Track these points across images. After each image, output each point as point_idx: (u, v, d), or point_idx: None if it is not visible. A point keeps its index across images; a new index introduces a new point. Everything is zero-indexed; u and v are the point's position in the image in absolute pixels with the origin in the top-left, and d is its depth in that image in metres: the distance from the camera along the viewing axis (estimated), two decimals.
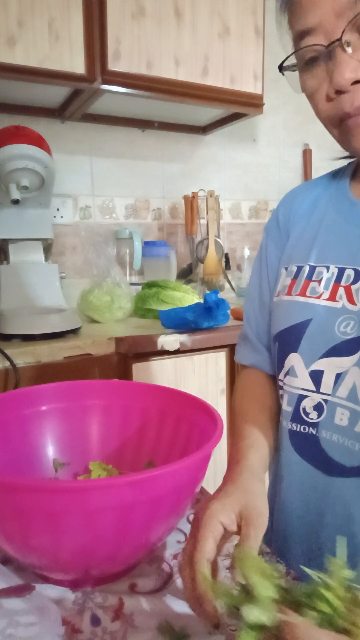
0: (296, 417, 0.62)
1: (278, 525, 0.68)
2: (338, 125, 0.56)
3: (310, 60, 0.55)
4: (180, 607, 0.49)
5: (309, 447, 0.62)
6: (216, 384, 1.45)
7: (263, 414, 0.67)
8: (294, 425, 0.63)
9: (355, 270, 0.59)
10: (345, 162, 0.70)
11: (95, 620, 0.47)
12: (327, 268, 0.62)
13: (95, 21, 1.42)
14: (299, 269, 0.65)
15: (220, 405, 1.45)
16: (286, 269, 0.68)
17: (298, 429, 0.63)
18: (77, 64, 1.41)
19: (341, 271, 0.60)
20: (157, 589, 0.52)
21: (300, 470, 0.63)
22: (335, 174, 0.71)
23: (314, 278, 0.63)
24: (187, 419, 0.63)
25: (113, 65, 1.45)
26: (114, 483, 0.44)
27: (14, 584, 0.52)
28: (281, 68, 0.59)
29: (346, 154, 0.67)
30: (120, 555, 0.49)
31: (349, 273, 0.60)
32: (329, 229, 0.64)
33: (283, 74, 0.59)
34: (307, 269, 0.64)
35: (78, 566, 0.49)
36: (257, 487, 0.51)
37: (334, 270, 0.61)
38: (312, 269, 0.63)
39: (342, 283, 0.60)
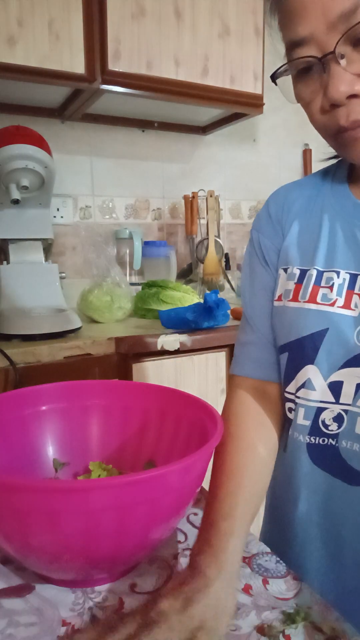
0: (315, 430, 0.60)
1: (296, 536, 0.65)
2: (334, 136, 0.55)
3: (303, 70, 0.53)
4: None
5: (329, 458, 0.60)
6: (216, 384, 1.44)
7: (260, 474, 0.61)
8: (312, 438, 0.61)
9: None
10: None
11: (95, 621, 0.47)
12: (338, 273, 0.59)
13: (95, 21, 1.42)
14: (303, 272, 0.62)
15: (220, 405, 1.44)
16: (285, 270, 0.65)
17: (317, 442, 0.61)
18: (77, 64, 1.41)
19: (353, 277, 0.58)
20: (157, 589, 0.52)
21: (319, 481, 0.61)
22: (326, 174, 0.68)
23: (323, 284, 0.59)
24: (187, 419, 0.63)
25: (113, 65, 1.45)
26: (114, 483, 0.44)
27: (14, 584, 0.52)
28: (274, 78, 0.57)
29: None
30: (120, 555, 0.49)
31: None
32: (333, 232, 0.61)
33: (276, 84, 0.57)
34: (314, 273, 0.61)
35: (78, 566, 0.49)
36: (228, 602, 0.45)
37: (345, 276, 0.58)
38: (320, 273, 0.60)
39: (357, 290, 0.57)
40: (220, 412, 0.60)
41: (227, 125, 1.92)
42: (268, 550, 0.58)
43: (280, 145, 2.26)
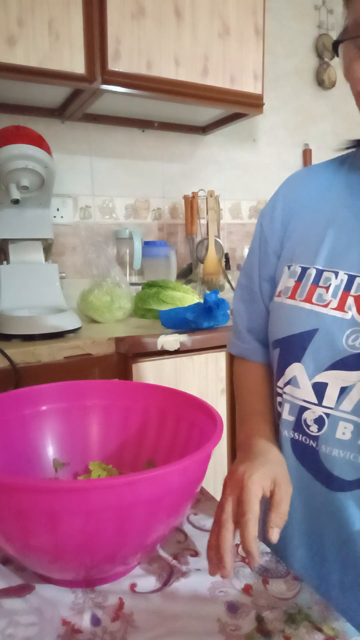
0: (298, 427, 0.61)
1: (281, 532, 0.67)
2: None
3: None
4: (180, 607, 0.49)
5: (310, 459, 0.61)
6: (216, 384, 1.44)
7: (266, 392, 0.71)
8: (295, 434, 0.62)
9: None
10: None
11: (95, 620, 0.47)
12: (336, 274, 0.58)
13: (95, 21, 1.42)
14: (304, 270, 0.61)
15: (220, 405, 1.45)
16: (289, 267, 0.64)
17: (300, 439, 0.61)
18: (77, 64, 1.41)
19: (351, 279, 0.57)
20: (157, 589, 0.52)
21: (301, 478, 0.61)
22: (342, 163, 0.65)
23: (321, 284, 0.59)
24: (187, 419, 0.63)
25: (113, 65, 1.45)
26: (114, 483, 0.44)
27: (14, 584, 0.52)
28: (336, 45, 0.53)
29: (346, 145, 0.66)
30: (120, 555, 0.49)
31: None
32: (340, 230, 0.60)
33: (337, 54, 0.53)
34: (313, 272, 0.60)
35: (78, 566, 0.49)
36: (281, 459, 0.58)
37: (343, 277, 0.57)
38: (320, 272, 0.59)
39: (352, 292, 0.56)
40: (220, 412, 0.60)
41: (227, 125, 1.92)
42: (268, 550, 0.58)
43: (280, 145, 2.26)
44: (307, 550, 0.64)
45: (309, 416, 0.59)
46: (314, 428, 0.59)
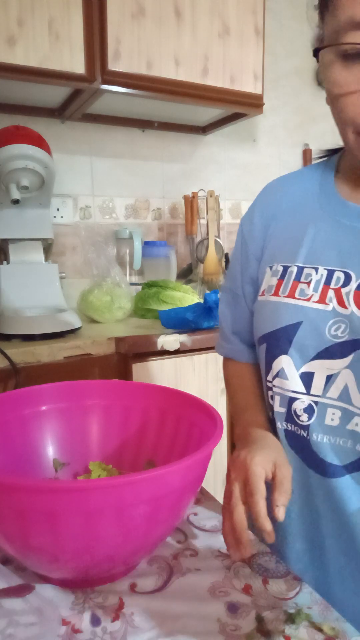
0: (289, 418, 0.63)
1: (278, 523, 0.67)
2: None
3: (353, 55, 0.49)
4: (180, 607, 0.49)
5: (303, 448, 0.62)
6: (216, 384, 1.44)
7: (258, 387, 0.74)
8: (288, 425, 0.64)
9: (345, 273, 0.58)
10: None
11: (95, 620, 0.47)
12: (316, 270, 0.61)
13: (95, 21, 1.42)
14: (285, 269, 0.64)
15: (220, 405, 1.45)
16: (271, 268, 0.66)
17: (292, 429, 0.63)
18: (77, 64, 1.41)
19: (330, 273, 0.59)
20: (157, 589, 0.52)
21: (297, 468, 0.63)
22: (316, 170, 0.69)
23: (302, 279, 0.61)
24: (187, 419, 0.63)
25: (113, 65, 1.45)
26: (114, 483, 0.44)
27: (14, 584, 0.52)
28: (317, 52, 0.53)
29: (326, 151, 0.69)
30: (120, 555, 0.49)
31: (339, 275, 0.59)
32: (318, 229, 0.63)
33: (318, 60, 0.53)
34: (294, 269, 0.63)
35: (78, 566, 0.49)
36: (278, 444, 0.60)
37: (322, 272, 0.60)
38: (300, 269, 0.62)
39: (332, 285, 0.59)
40: (220, 412, 0.60)
41: (227, 125, 1.92)
42: (268, 550, 0.58)
43: (280, 145, 2.26)
44: (305, 541, 0.64)
45: (298, 406, 0.61)
46: (304, 417, 0.61)
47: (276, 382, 0.64)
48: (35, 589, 0.51)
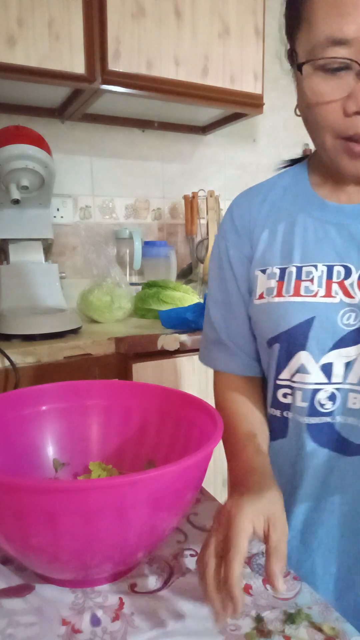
0: (313, 410, 0.65)
1: (298, 516, 0.69)
2: (343, 140, 0.57)
3: (331, 68, 0.53)
4: (180, 607, 0.49)
5: (327, 435, 0.65)
6: None
7: (254, 414, 0.71)
8: (311, 419, 0.65)
9: (345, 267, 0.62)
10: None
11: (95, 620, 0.47)
12: (316, 267, 0.63)
13: (95, 21, 1.42)
14: (283, 270, 0.66)
15: None
16: (263, 271, 0.68)
17: (315, 422, 0.65)
18: (77, 64, 1.41)
19: (330, 268, 0.62)
20: (157, 589, 0.52)
21: (318, 457, 0.66)
22: (283, 178, 0.72)
23: (304, 278, 0.64)
24: (187, 419, 0.63)
25: (113, 65, 1.45)
26: (114, 483, 0.44)
27: (14, 584, 0.52)
28: (301, 67, 0.56)
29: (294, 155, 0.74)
30: (120, 555, 0.49)
31: (339, 270, 0.62)
32: (306, 230, 0.65)
33: (301, 73, 0.57)
34: (293, 269, 0.65)
35: (78, 566, 0.49)
36: (277, 495, 0.54)
37: (322, 268, 0.63)
38: (299, 269, 0.64)
39: (335, 279, 0.62)
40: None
41: (227, 125, 1.92)
42: None
43: (280, 145, 2.26)
44: (326, 524, 0.67)
45: (322, 396, 0.64)
46: (328, 405, 0.64)
47: (297, 377, 0.65)
48: (35, 589, 0.51)
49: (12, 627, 0.46)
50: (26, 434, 0.65)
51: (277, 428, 0.70)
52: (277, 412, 0.69)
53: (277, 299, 0.65)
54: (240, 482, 0.58)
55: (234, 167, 2.16)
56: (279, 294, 0.65)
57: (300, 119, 0.65)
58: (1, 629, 0.46)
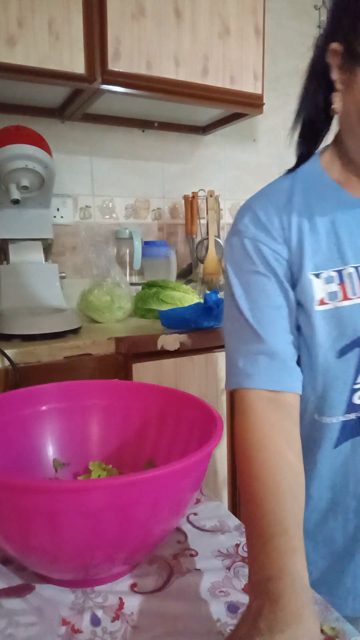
0: (350, 408, 0.66)
1: (314, 509, 0.70)
2: None
3: None
4: (180, 607, 0.49)
5: (356, 428, 0.67)
6: (216, 384, 1.44)
7: (297, 483, 0.54)
8: (347, 416, 0.66)
9: None
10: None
11: (95, 620, 0.47)
12: None
13: (95, 21, 1.42)
14: (339, 272, 0.64)
15: (220, 405, 1.45)
16: (317, 275, 0.64)
17: (349, 419, 0.66)
18: (77, 64, 1.41)
19: None
20: (157, 589, 0.52)
21: (342, 451, 0.67)
22: (298, 180, 0.69)
23: None
24: (187, 419, 0.63)
25: (113, 65, 1.45)
26: (114, 483, 0.44)
27: (14, 584, 0.52)
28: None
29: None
30: (120, 555, 0.49)
31: None
32: (350, 229, 0.64)
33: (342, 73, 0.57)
34: (351, 270, 0.63)
35: (78, 566, 0.49)
36: (315, 629, 0.38)
37: None
38: (356, 269, 0.63)
39: None
40: (220, 412, 0.60)
41: (227, 125, 1.92)
42: None
43: (280, 145, 2.26)
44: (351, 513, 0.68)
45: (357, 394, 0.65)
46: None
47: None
48: (35, 589, 0.51)
49: (12, 627, 0.46)
50: (26, 434, 0.65)
51: (353, 430, 0.68)
52: (353, 415, 0.67)
53: (345, 303, 0.63)
54: (267, 596, 0.40)
55: (234, 167, 2.16)
56: (346, 298, 0.63)
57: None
58: (1, 629, 0.46)
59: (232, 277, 0.67)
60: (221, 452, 1.46)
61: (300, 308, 0.66)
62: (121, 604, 0.50)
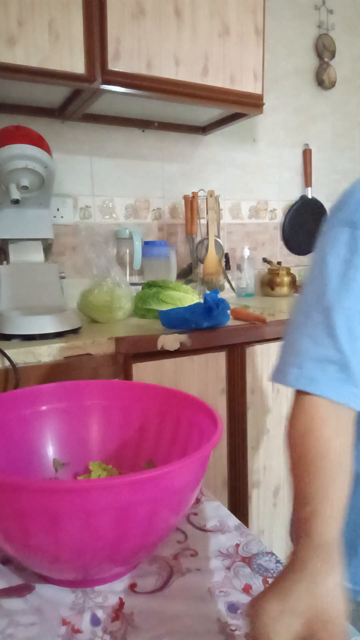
0: None
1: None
2: None
3: None
4: (180, 607, 0.49)
5: None
6: (216, 384, 1.44)
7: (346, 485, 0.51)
8: None
9: None
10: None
11: (95, 620, 0.47)
12: None
13: (95, 21, 1.42)
14: None
15: (220, 405, 1.45)
16: None
17: None
18: (77, 64, 1.41)
19: None
20: (157, 589, 0.52)
21: None
22: None
23: None
24: (187, 419, 0.63)
25: (113, 65, 1.45)
26: (114, 483, 0.44)
27: (14, 584, 0.52)
28: None
29: None
30: (120, 555, 0.49)
31: None
32: None
33: None
34: None
35: (78, 566, 0.49)
36: (331, 579, 0.37)
37: None
38: None
39: None
40: (220, 412, 0.59)
41: (227, 125, 1.92)
42: (268, 550, 0.58)
43: (280, 145, 2.26)
44: None
45: None
46: None
47: None
48: (35, 589, 0.51)
49: (12, 627, 0.46)
50: (26, 434, 0.65)
51: None
52: None
53: None
54: (307, 535, 0.42)
55: (234, 167, 2.16)
56: None
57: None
58: (1, 629, 0.46)
59: (330, 264, 0.59)
60: (221, 452, 1.46)
61: None
62: (121, 604, 0.50)
